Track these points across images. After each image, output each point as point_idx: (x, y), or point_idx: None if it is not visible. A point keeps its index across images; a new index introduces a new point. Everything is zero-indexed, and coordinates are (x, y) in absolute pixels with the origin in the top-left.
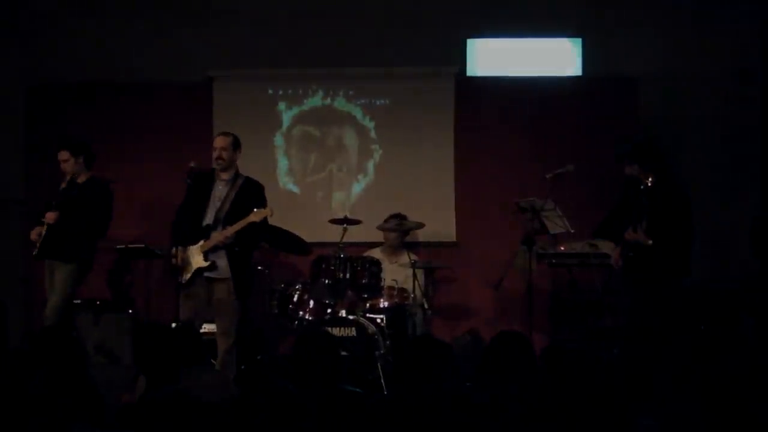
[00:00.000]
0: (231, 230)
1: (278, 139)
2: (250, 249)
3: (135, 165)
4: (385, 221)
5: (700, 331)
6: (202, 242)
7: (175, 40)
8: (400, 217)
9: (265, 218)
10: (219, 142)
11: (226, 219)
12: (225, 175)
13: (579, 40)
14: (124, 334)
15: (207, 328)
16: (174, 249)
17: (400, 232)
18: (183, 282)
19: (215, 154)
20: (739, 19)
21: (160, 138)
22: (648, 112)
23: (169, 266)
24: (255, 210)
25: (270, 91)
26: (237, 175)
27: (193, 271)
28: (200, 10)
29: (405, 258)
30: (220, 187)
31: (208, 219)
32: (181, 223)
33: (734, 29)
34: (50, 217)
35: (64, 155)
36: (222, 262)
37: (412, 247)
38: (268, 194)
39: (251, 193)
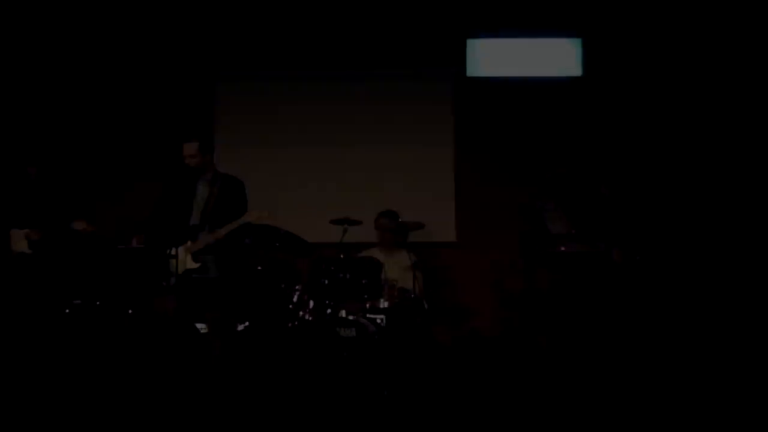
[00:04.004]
0: (223, 231)
1: (279, 139)
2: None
3: (136, 164)
4: (376, 220)
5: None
6: (189, 243)
7: (177, 40)
8: (391, 215)
9: (263, 220)
10: (185, 150)
11: (211, 219)
12: (206, 176)
13: (579, 41)
14: (126, 334)
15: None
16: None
17: (396, 231)
18: (170, 284)
19: (186, 161)
20: (738, 18)
21: (162, 137)
22: (647, 113)
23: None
24: (252, 211)
25: (271, 91)
26: (216, 174)
27: (181, 273)
28: (202, 9)
29: (402, 256)
30: (201, 187)
31: (194, 219)
32: (162, 222)
33: (734, 29)
34: None
35: None
36: (210, 261)
37: (413, 246)
38: (269, 195)
39: (233, 192)
